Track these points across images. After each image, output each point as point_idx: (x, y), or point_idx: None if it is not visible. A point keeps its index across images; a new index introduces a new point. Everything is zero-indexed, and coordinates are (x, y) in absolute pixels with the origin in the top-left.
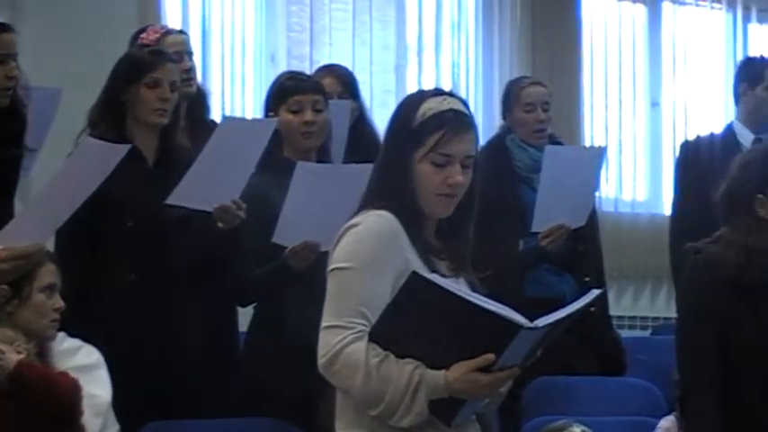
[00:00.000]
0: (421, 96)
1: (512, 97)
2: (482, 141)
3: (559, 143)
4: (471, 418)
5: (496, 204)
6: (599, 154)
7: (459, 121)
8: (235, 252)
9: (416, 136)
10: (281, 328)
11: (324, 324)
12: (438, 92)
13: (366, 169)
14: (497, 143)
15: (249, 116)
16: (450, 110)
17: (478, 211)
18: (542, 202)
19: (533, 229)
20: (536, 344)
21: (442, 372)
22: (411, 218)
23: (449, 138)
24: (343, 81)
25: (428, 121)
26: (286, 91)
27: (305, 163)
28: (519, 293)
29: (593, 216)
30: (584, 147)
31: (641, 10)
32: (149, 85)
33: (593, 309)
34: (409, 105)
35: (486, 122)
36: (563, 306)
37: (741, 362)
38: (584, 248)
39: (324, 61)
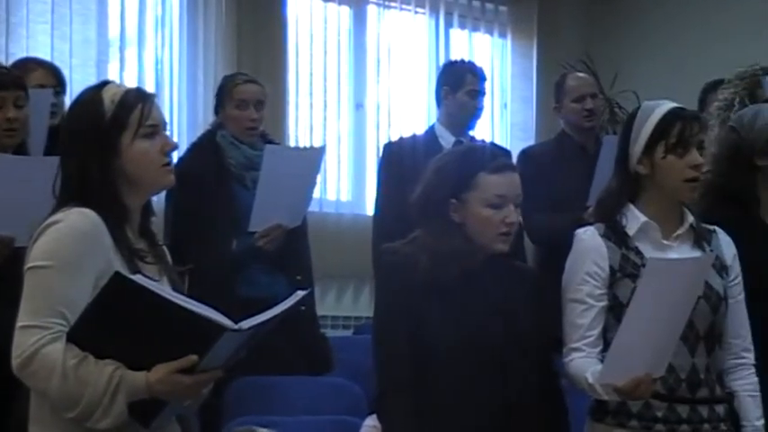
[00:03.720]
0: (94, 90)
1: (225, 93)
2: (186, 139)
3: (271, 141)
4: (171, 420)
5: (209, 203)
6: (318, 154)
7: (144, 93)
8: None
9: (116, 123)
10: None
11: (19, 324)
12: (105, 83)
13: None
14: (209, 138)
15: None
16: (129, 89)
17: (192, 210)
18: (260, 201)
19: (250, 229)
20: (241, 345)
21: (143, 373)
22: (115, 217)
23: (147, 109)
24: (55, 74)
25: (121, 104)
26: None
27: None
28: (233, 293)
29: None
30: (304, 147)
31: (346, 12)
32: None
33: (303, 308)
34: (88, 103)
35: (191, 120)
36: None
37: (434, 363)
38: (296, 247)
39: (21, 54)
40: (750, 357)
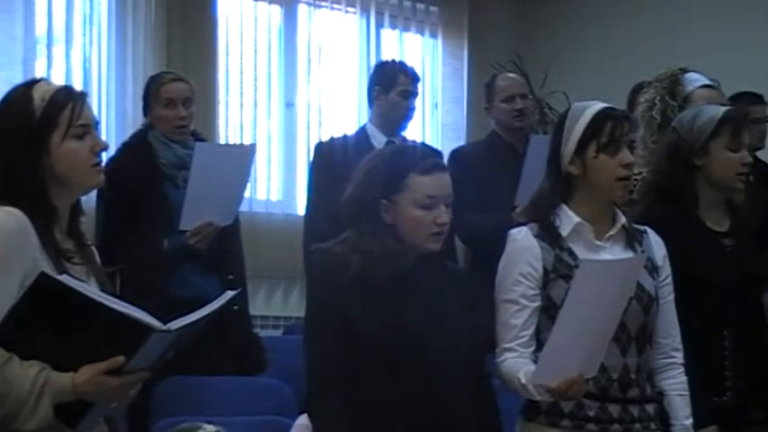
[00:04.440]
0: (24, 88)
1: (152, 94)
2: (114, 137)
3: (202, 140)
4: (99, 421)
5: (140, 202)
6: (249, 152)
7: (75, 92)
8: None
9: (46, 121)
10: None
11: None
12: (35, 80)
13: None
14: (140, 138)
15: None
16: (60, 87)
17: (122, 209)
18: (191, 199)
19: (181, 227)
20: (169, 345)
21: (69, 374)
22: (43, 217)
23: (78, 108)
24: None
25: (52, 102)
26: None
27: None
28: (164, 293)
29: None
30: (235, 144)
31: (277, 11)
32: None
33: (236, 307)
34: (18, 100)
35: (119, 119)
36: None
37: (366, 362)
38: (228, 246)
39: None
40: (679, 357)
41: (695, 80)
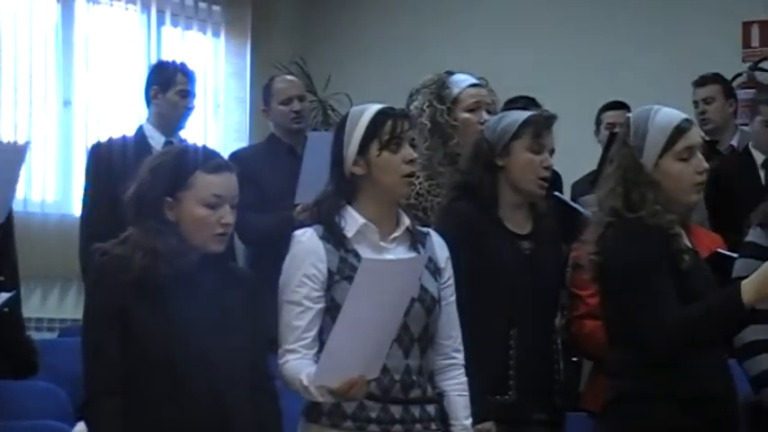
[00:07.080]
0: None
1: None
2: None
3: None
4: None
5: None
6: (21, 151)
7: None
8: None
9: None
10: None
11: None
12: None
13: None
14: None
15: None
16: None
17: None
18: None
19: None
20: None
21: None
22: None
23: None
24: None
25: None
26: None
27: None
28: None
29: (9, 214)
30: (7, 142)
31: (53, 6)
32: None
33: (6, 310)
34: None
35: None
36: None
37: (146, 364)
38: (1, 247)
39: None
40: (460, 358)
41: (461, 81)
